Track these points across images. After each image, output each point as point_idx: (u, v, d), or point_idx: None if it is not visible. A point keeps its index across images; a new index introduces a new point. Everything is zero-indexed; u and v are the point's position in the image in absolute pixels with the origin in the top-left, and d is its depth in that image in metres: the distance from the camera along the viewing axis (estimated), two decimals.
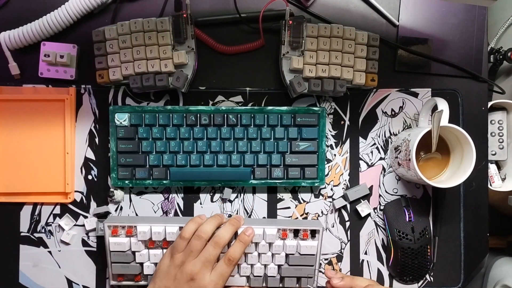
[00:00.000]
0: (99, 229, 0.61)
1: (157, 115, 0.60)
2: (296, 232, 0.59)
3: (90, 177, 0.62)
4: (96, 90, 0.62)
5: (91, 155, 0.62)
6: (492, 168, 0.71)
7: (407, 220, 0.62)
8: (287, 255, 0.59)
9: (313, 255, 0.58)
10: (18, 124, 0.61)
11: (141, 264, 0.58)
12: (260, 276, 0.59)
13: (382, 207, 0.64)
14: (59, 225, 0.61)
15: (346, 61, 0.59)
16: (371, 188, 0.64)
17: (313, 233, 0.59)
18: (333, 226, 0.63)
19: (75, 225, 0.62)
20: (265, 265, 0.59)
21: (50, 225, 0.61)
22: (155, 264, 0.58)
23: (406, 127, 0.64)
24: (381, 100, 0.64)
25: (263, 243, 0.58)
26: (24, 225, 0.61)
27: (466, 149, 0.57)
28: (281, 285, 0.60)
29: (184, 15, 0.57)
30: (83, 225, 0.61)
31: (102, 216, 0.62)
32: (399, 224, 0.61)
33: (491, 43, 0.84)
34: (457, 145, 0.59)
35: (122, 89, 0.62)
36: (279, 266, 0.59)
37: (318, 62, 0.59)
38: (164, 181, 0.61)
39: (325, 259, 0.63)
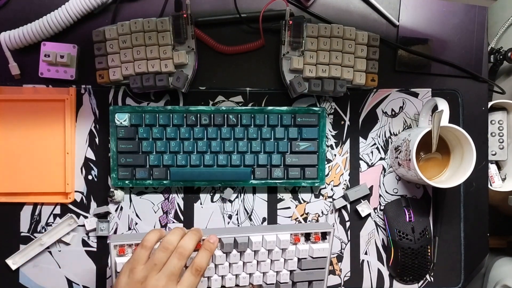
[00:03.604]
0: (99, 229, 0.61)
1: (157, 115, 0.60)
2: (307, 236, 0.59)
3: (90, 177, 0.62)
4: (96, 90, 0.62)
5: (91, 155, 0.62)
6: (492, 168, 0.71)
7: (407, 220, 0.62)
8: (299, 260, 0.59)
9: (325, 257, 0.59)
10: (18, 124, 0.61)
11: None
12: (273, 284, 0.59)
13: (382, 207, 0.64)
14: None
15: (346, 61, 0.59)
16: (371, 188, 0.64)
17: (324, 235, 0.59)
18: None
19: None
20: (277, 272, 0.59)
21: (50, 225, 0.61)
22: None
23: (406, 127, 0.64)
24: (381, 100, 0.64)
25: (277, 250, 0.57)
26: (24, 225, 0.61)
27: (466, 149, 0.57)
28: None
29: (184, 15, 0.57)
30: (83, 225, 0.61)
31: (102, 216, 0.62)
32: (399, 224, 0.61)
33: (491, 43, 0.84)
34: (457, 145, 0.59)
35: (122, 89, 0.62)
36: (291, 271, 0.59)
37: (318, 62, 0.59)
38: (164, 181, 0.61)
39: None
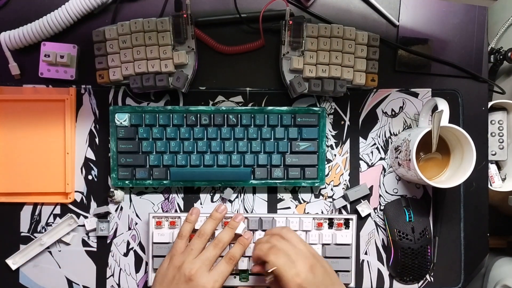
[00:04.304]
0: (99, 229, 0.61)
1: (157, 115, 0.60)
2: (330, 224, 0.60)
3: (90, 177, 0.62)
4: (96, 90, 0.62)
5: (91, 155, 0.62)
6: (492, 168, 0.71)
7: (407, 220, 0.62)
8: (323, 246, 0.60)
9: (349, 244, 0.60)
10: (18, 124, 0.61)
11: None
12: None
13: (382, 207, 0.64)
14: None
15: (346, 61, 0.59)
16: (371, 188, 0.64)
17: (347, 223, 0.61)
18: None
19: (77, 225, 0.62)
20: None
21: (50, 225, 0.61)
22: None
23: (406, 127, 0.64)
24: (381, 100, 0.64)
25: (300, 232, 0.59)
26: (24, 225, 0.61)
27: (466, 149, 0.57)
28: None
29: (184, 15, 0.57)
30: (83, 225, 0.61)
31: (102, 216, 0.62)
32: (399, 224, 0.61)
33: (491, 43, 0.84)
34: (457, 145, 0.59)
35: (122, 89, 0.62)
36: None
37: (318, 62, 0.59)
38: (164, 181, 0.61)
39: None
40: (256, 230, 0.60)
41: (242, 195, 0.63)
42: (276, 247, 0.51)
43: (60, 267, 0.62)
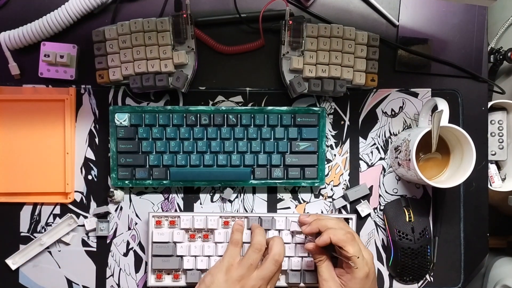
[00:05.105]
0: (99, 229, 0.61)
1: (157, 115, 0.60)
2: None
3: (90, 177, 0.62)
4: (96, 90, 0.62)
5: (91, 155, 0.62)
6: (492, 168, 0.71)
7: (407, 220, 0.62)
8: None
9: None
10: (18, 124, 0.61)
11: (181, 257, 0.59)
12: (298, 270, 0.59)
13: (382, 207, 0.64)
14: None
15: (346, 61, 0.59)
16: (371, 188, 0.64)
17: (347, 223, 0.60)
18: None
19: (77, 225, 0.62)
20: (302, 257, 0.59)
21: (50, 225, 0.61)
22: (195, 257, 0.59)
23: (406, 127, 0.64)
24: (381, 100, 0.64)
25: (299, 231, 0.59)
26: (24, 225, 0.61)
27: (466, 149, 0.57)
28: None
29: (184, 15, 0.57)
30: (83, 225, 0.61)
31: (102, 216, 0.62)
32: (399, 224, 0.61)
33: (491, 43, 0.84)
34: (457, 145, 0.59)
35: (122, 89, 0.62)
36: None
37: (318, 62, 0.59)
38: (164, 181, 0.61)
39: None
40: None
41: (242, 195, 0.63)
42: (352, 234, 0.52)
43: (60, 267, 0.62)
